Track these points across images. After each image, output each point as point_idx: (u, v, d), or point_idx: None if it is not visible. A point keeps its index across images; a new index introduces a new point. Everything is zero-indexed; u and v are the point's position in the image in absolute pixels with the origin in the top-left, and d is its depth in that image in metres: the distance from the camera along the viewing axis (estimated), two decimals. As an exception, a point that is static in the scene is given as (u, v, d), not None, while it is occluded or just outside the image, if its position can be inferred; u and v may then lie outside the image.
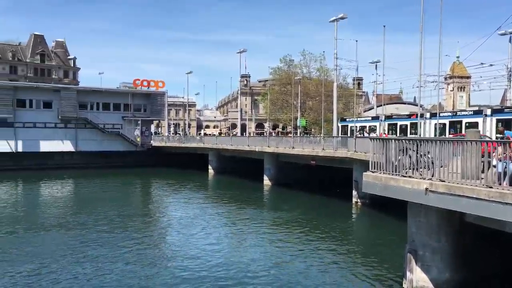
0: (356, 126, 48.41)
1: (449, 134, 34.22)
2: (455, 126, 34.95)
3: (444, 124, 36.25)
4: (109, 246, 19.32)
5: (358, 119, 53.31)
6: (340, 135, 44.63)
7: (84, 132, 59.83)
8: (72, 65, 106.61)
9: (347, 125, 51.26)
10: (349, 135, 44.97)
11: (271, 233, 22.78)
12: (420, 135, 36.05)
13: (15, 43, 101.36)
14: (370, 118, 50.93)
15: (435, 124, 35.82)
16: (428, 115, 38.77)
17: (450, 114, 38.89)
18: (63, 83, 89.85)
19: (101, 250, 18.57)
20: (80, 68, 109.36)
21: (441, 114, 37.71)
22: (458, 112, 39.47)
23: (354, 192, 31.21)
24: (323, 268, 16.71)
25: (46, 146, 57.16)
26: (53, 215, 27.10)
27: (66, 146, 58.70)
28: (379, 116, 47.08)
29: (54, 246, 19.37)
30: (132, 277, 15.25)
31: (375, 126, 46.19)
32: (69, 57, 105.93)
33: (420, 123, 37.24)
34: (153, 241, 20.67)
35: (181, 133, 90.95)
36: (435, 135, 34.42)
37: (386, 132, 43.15)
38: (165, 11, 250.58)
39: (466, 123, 33.75)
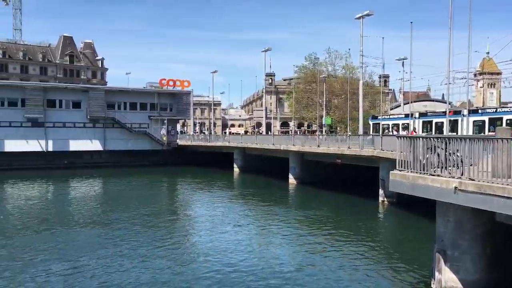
0: (388, 124, 47.05)
1: (489, 131, 32.50)
2: (495, 123, 33.03)
3: (483, 121, 34.55)
4: (138, 243, 19.62)
5: (391, 116, 52.00)
6: (372, 133, 43.78)
7: (111, 131, 60.93)
8: (100, 66, 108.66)
9: (379, 123, 50.10)
10: (380, 133, 43.86)
11: (297, 232, 22.75)
12: (458, 133, 34.56)
13: (45, 45, 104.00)
14: (403, 116, 49.10)
15: (474, 121, 34.43)
16: (465, 112, 36.61)
17: (490, 110, 36.79)
18: (91, 83, 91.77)
19: (130, 248, 18.87)
20: (107, 69, 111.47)
21: (479, 111, 36.12)
22: (498, 109, 37.37)
23: (381, 191, 30.87)
24: (350, 268, 16.60)
25: (76, 145, 58.46)
26: (83, 213, 27.69)
27: (95, 145, 59.89)
28: (412, 114, 45.39)
29: (85, 243, 19.81)
30: (161, 274, 15.44)
31: (408, 123, 44.56)
32: (97, 57, 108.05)
33: (457, 120, 35.78)
34: (181, 240, 20.87)
35: (206, 132, 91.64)
36: (473, 133, 33.02)
37: (421, 130, 41.52)
38: (191, 11, 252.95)
39: (507, 120, 32.11)
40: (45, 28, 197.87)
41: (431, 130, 40.26)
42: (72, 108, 59.11)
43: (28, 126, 56.02)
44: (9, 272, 15.58)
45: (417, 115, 44.27)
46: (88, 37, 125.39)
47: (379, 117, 52.66)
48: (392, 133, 38.71)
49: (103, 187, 43.24)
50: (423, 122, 42.53)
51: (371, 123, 48.93)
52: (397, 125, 46.22)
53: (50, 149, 57.09)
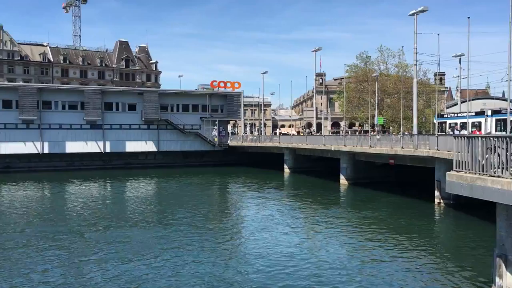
0: (456, 123, 43.77)
1: None
2: None
3: None
4: (190, 243, 20.06)
5: (459, 115, 49.09)
6: (437, 132, 41.80)
7: (165, 132, 62.61)
8: (154, 69, 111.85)
9: (445, 122, 47.68)
10: (447, 132, 41.11)
11: (349, 234, 22.45)
12: None
13: (102, 50, 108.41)
14: (473, 114, 45.65)
15: None
16: None
17: None
18: (145, 86, 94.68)
19: (182, 247, 19.35)
20: (161, 72, 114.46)
21: None
22: None
23: (437, 192, 29.89)
24: (405, 271, 16.21)
25: (131, 146, 60.58)
26: (139, 212, 28.66)
27: (149, 146, 61.79)
28: (484, 111, 41.89)
29: (139, 242, 20.49)
30: (211, 275, 15.71)
31: (479, 122, 41.44)
32: (151, 61, 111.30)
33: None
34: (232, 241, 21.13)
35: (256, 133, 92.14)
36: None
37: (494, 129, 38.05)
38: (242, 13, 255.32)
39: None
40: (102, 33, 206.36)
41: (505, 129, 36.42)
42: (128, 111, 61.25)
43: (87, 128, 58.62)
44: (72, 268, 16.41)
45: (489, 112, 41.04)
46: (143, 41, 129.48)
47: (445, 116, 50.30)
48: (460, 132, 36.11)
49: (157, 186, 44.50)
50: (497, 120, 39.18)
51: (436, 122, 46.18)
52: (465, 123, 43.11)
53: (108, 150, 59.44)
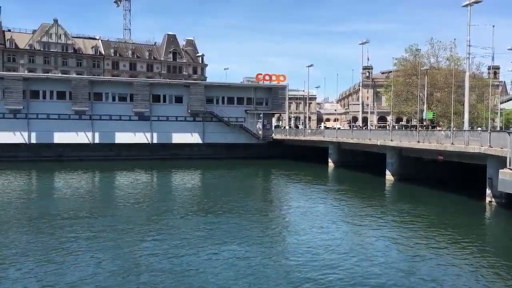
0: None
1: None
2: None
3: None
4: (232, 236, 20.25)
5: None
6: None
7: (210, 125, 63.41)
8: (200, 62, 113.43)
9: None
10: None
11: (395, 232, 22.00)
12: None
13: (151, 43, 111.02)
14: None
15: None
16: None
17: None
18: (192, 79, 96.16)
19: (224, 239, 19.59)
20: (207, 65, 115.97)
21: None
22: None
23: (488, 191, 28.69)
24: (452, 272, 15.71)
25: (177, 138, 61.78)
26: (185, 203, 29.34)
27: (195, 138, 62.80)
28: None
29: (186, 231, 20.91)
30: (251, 268, 15.79)
31: None
32: (197, 54, 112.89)
33: None
34: (275, 234, 21.18)
35: (300, 126, 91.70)
36: None
37: None
38: (288, 5, 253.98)
39: None
40: (150, 26, 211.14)
41: None
42: (175, 103, 62.43)
43: (135, 119, 60.28)
44: (118, 249, 17.00)
45: None
46: (189, 34, 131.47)
47: None
48: None
49: (202, 178, 45.21)
50: None
51: None
52: None
53: (155, 141, 60.91)
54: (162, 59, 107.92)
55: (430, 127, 63.72)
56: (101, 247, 17.81)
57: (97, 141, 58.72)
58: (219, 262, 16.06)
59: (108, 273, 14.75)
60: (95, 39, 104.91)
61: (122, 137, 59.44)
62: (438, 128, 40.85)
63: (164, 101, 62.26)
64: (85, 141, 58.39)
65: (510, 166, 12.90)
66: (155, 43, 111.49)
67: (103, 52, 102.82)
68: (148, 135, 60.69)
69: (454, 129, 45.08)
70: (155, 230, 20.88)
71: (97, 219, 22.99)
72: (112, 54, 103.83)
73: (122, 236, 19.66)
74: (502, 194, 26.22)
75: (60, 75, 76.43)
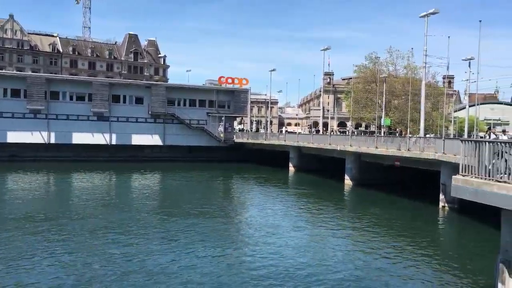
0: None
1: None
2: None
3: None
4: (191, 240, 20.06)
5: None
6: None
7: (171, 127, 62.69)
8: (162, 63, 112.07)
9: None
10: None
11: (352, 235, 22.42)
12: None
13: (111, 42, 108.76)
14: None
15: None
16: None
17: None
18: (153, 80, 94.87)
19: (182, 243, 19.37)
20: (169, 66, 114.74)
21: None
22: None
23: (442, 196, 29.74)
24: (406, 275, 16.15)
25: (137, 139, 60.73)
26: (142, 205, 28.76)
27: (155, 140, 61.91)
28: None
29: (141, 234, 20.55)
30: (211, 273, 15.68)
31: None
32: (159, 55, 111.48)
33: None
34: (234, 238, 21.15)
35: (261, 130, 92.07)
36: None
37: None
38: (252, 11, 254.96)
39: None
40: (111, 26, 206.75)
41: None
42: (135, 104, 61.38)
43: (94, 120, 58.83)
44: (77, 251, 16.49)
45: None
46: (152, 36, 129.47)
47: None
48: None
49: (162, 181, 44.62)
50: None
51: None
52: None
53: (114, 142, 59.63)
54: (122, 59, 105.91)
55: (387, 133, 65.34)
56: (52, 253, 17.23)
57: (53, 141, 56.91)
58: (175, 266, 15.82)
59: (64, 278, 14.28)
60: (53, 36, 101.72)
61: (80, 138, 57.86)
62: (408, 135, 41.35)
63: (124, 101, 61.10)
64: (40, 141, 56.46)
65: (462, 172, 13.37)
66: (115, 43, 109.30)
67: (61, 50, 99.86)
68: (107, 136, 59.37)
69: (410, 135, 46.44)
70: (112, 234, 20.39)
71: (49, 224, 22.19)
72: (71, 52, 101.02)
73: (77, 241, 19.09)
74: (455, 199, 27.23)
75: (14, 72, 73.56)
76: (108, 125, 59.37)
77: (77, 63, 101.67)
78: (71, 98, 58.67)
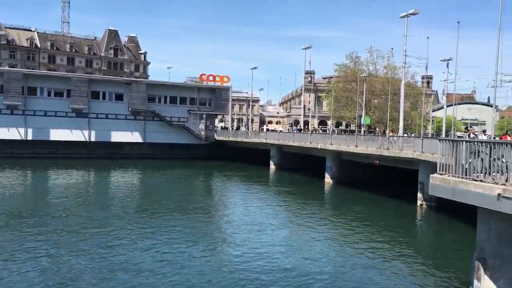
0: None
1: None
2: None
3: None
4: (171, 238, 19.93)
5: None
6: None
7: (151, 124, 62.17)
8: (143, 60, 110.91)
9: None
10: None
11: (331, 232, 22.60)
12: None
13: (91, 38, 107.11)
14: None
15: None
16: None
17: None
18: (133, 76, 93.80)
19: (162, 242, 19.26)
20: (150, 62, 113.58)
21: None
22: None
23: (419, 194, 30.20)
24: (383, 272, 16.36)
25: (117, 136, 60.04)
26: (121, 203, 28.48)
27: (135, 137, 61.31)
28: None
29: (121, 232, 20.34)
30: (191, 272, 15.54)
31: None
32: (140, 51, 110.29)
33: None
34: (214, 236, 21.09)
35: (243, 128, 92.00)
36: None
37: None
38: (235, 8, 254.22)
39: None
40: (92, 22, 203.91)
41: None
42: (115, 100, 60.67)
43: (72, 116, 57.96)
44: (46, 252, 16.24)
45: None
46: (133, 31, 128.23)
47: None
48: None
49: (142, 178, 44.24)
50: None
51: None
52: None
53: (93, 139, 58.86)
54: (102, 54, 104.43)
55: (367, 132, 66.00)
56: (29, 252, 16.94)
57: (30, 137, 55.88)
58: (156, 264, 15.73)
59: (41, 276, 14.06)
60: (31, 30, 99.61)
61: (58, 134, 56.92)
62: (390, 134, 41.63)
63: (104, 98, 60.34)
64: (17, 137, 55.39)
65: (440, 171, 13.60)
66: (95, 38, 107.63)
67: (39, 45, 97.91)
68: (86, 132, 58.55)
69: (394, 135, 47.00)
70: (91, 232, 20.13)
71: (25, 223, 21.78)
72: (49, 47, 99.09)
73: (54, 239, 18.79)
74: (432, 197, 27.68)
75: (-10, 66, 71.94)
76: (87, 122, 58.55)
77: (56, 59, 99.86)
78: (49, 94, 57.71)
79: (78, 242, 18.21)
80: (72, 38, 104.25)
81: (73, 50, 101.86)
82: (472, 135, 28.55)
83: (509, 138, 28.29)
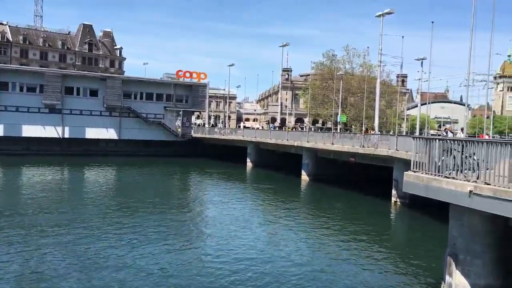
0: None
1: None
2: None
3: None
4: (146, 236, 19.73)
5: None
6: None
7: (127, 120, 61.39)
8: (118, 55, 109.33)
9: None
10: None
11: (306, 230, 22.73)
12: None
13: (65, 32, 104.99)
14: None
15: None
16: None
17: None
18: (109, 72, 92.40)
19: (137, 239, 19.04)
20: (125, 58, 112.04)
21: None
22: None
23: (394, 191, 30.64)
24: (358, 268, 16.54)
25: (92, 133, 59.08)
26: (94, 201, 28.04)
27: (110, 134, 60.45)
28: None
29: (92, 231, 20.04)
30: (167, 270, 15.35)
31: None
32: (115, 47, 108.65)
33: None
34: (189, 234, 20.95)
35: (220, 125, 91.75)
36: None
37: None
38: (213, 4, 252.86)
39: None
40: (66, 16, 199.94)
41: None
42: (89, 96, 59.66)
43: (45, 112, 56.77)
44: (13, 256, 15.88)
45: None
46: (108, 26, 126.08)
47: None
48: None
49: (116, 175, 43.66)
50: None
51: None
52: None
53: (67, 136, 57.79)
54: (76, 49, 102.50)
55: (343, 130, 66.59)
56: None
57: (1, 134, 54.42)
58: (119, 267, 15.38)
59: (12, 275, 13.74)
60: (2, 24, 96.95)
61: (30, 131, 55.63)
62: (371, 132, 41.87)
63: (78, 94, 59.24)
64: (-13, 133, 53.94)
65: (414, 168, 13.81)
66: (69, 33, 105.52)
67: (11, 39, 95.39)
68: (59, 129, 57.42)
69: (371, 133, 47.53)
70: (65, 230, 19.75)
71: (-1, 218, 21.29)
72: (21, 42, 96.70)
73: (26, 238, 18.37)
74: (406, 194, 28.11)
75: (-41, 60, 69.84)
76: (60, 118, 57.42)
77: (28, 53, 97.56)
78: (21, 89, 56.32)
79: (50, 240, 17.83)
80: (45, 32, 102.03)
81: (47, 45, 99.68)
82: (450, 134, 29.15)
83: (486, 137, 29.00)
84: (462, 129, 34.63)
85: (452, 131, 31.42)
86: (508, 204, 10.41)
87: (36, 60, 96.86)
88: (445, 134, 33.24)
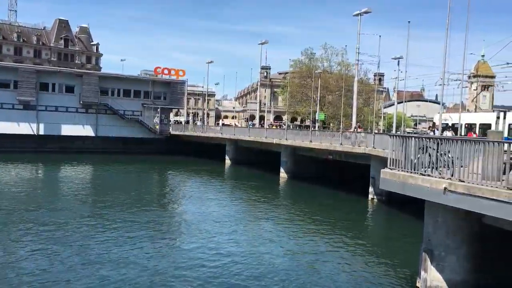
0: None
1: None
2: None
3: None
4: (121, 235, 19.53)
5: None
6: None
7: (104, 117, 60.54)
8: (95, 51, 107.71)
9: None
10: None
11: (284, 227, 22.80)
12: None
13: (40, 28, 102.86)
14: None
15: None
16: None
17: None
18: (85, 68, 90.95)
19: (112, 238, 18.82)
20: (102, 54, 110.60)
21: None
22: None
23: (371, 189, 31.02)
24: (334, 264, 16.67)
25: (68, 130, 58.04)
26: (69, 199, 27.59)
27: (87, 131, 59.52)
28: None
29: (67, 231, 19.72)
30: (142, 271, 15.21)
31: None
32: (92, 42, 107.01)
33: None
34: (166, 233, 20.80)
35: (198, 123, 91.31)
36: None
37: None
38: (193, 0, 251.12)
39: None
40: (41, 11, 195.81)
41: None
42: (65, 93, 58.63)
43: (20, 108, 55.56)
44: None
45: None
46: (84, 22, 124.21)
47: None
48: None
49: (93, 173, 43.06)
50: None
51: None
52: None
53: (42, 132, 56.67)
54: (52, 45, 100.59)
55: (321, 128, 67.05)
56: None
57: (-28, 130, 53.11)
58: (95, 267, 15.14)
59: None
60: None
61: (4, 127, 54.26)
62: (358, 130, 42.00)
63: (53, 90, 58.14)
64: (-41, 130, 52.52)
65: (390, 166, 14.00)
66: (44, 28, 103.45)
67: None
68: (34, 126, 56.27)
69: (360, 131, 47.91)
70: (36, 227, 19.39)
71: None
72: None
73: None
74: (383, 192, 28.51)
75: None
76: (35, 115, 56.28)
77: (2, 49, 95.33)
78: (-6, 85, 55.01)
79: (24, 238, 17.50)
80: (19, 27, 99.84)
81: (21, 40, 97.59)
82: (437, 132, 29.42)
83: (474, 136, 28.74)
84: (449, 128, 33.87)
85: (438, 129, 31.34)
86: (481, 201, 10.64)
87: (10, 55, 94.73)
88: (432, 132, 33.22)
